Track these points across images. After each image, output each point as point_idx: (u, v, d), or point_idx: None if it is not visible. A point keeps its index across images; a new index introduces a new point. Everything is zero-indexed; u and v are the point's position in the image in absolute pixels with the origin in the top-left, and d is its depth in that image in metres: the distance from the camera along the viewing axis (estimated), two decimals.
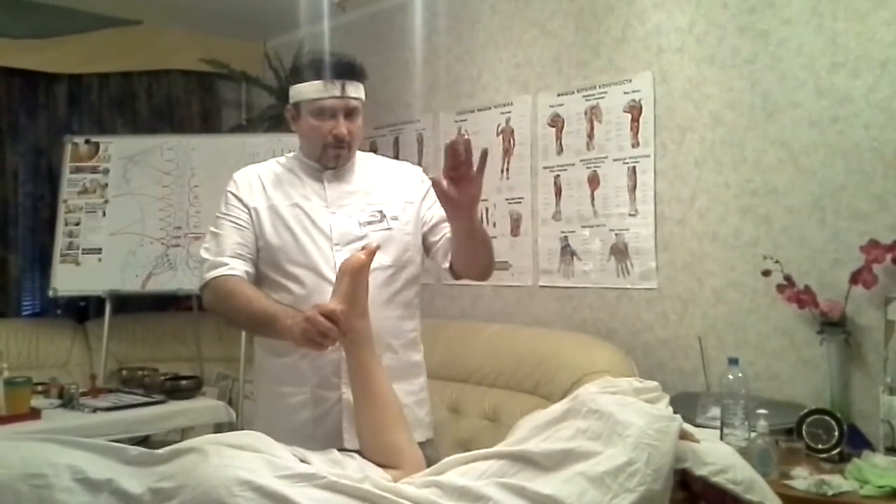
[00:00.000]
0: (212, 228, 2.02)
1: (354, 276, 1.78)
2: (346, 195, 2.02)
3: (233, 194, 2.02)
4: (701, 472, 1.47)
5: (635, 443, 1.44)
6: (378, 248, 1.84)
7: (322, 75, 1.95)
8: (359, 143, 2.06)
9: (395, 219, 2.01)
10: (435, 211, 2.02)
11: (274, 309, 1.83)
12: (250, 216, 1.99)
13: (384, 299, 1.95)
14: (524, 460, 1.50)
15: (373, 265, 1.85)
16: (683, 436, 1.53)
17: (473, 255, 1.95)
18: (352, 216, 1.99)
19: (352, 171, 2.06)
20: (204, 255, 1.99)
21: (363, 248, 1.83)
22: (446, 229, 1.99)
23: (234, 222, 1.98)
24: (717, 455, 1.51)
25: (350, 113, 1.97)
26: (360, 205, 2.01)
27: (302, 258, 1.95)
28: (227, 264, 1.93)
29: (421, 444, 1.86)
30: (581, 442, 1.49)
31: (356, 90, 1.98)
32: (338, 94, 1.94)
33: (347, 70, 1.96)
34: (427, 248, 2.08)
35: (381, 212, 2.01)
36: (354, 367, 1.81)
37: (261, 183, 2.03)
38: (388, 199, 2.04)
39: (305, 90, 1.96)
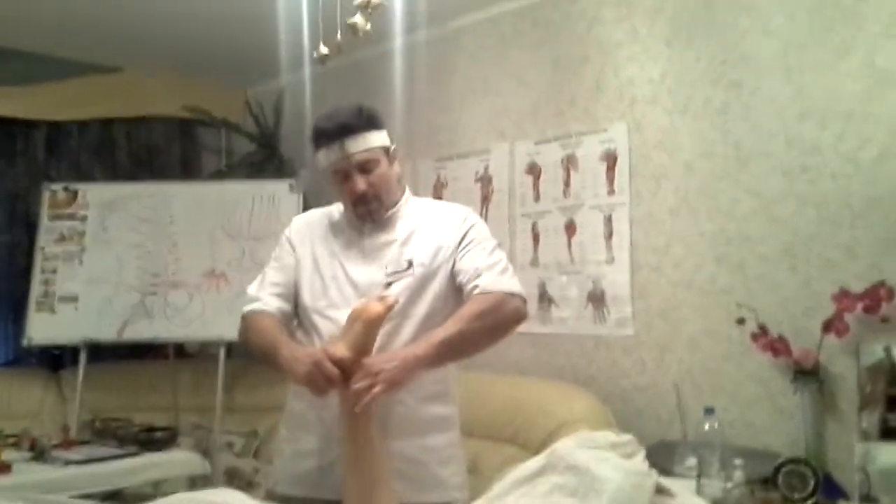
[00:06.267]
0: (265, 268, 2.10)
1: (368, 327, 1.77)
2: (383, 246, 1.98)
3: (286, 238, 2.10)
4: None
5: (612, 498, 1.43)
6: (396, 302, 1.83)
7: (322, 142, 1.95)
8: (390, 190, 2.00)
9: (422, 265, 1.94)
10: (466, 262, 1.95)
11: (279, 340, 1.88)
12: (296, 261, 2.04)
13: (399, 348, 1.88)
14: None
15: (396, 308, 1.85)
16: (659, 491, 1.53)
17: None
18: (382, 267, 1.95)
19: (396, 220, 2.02)
20: (248, 291, 2.07)
21: (381, 298, 1.82)
22: (471, 287, 1.91)
23: (278, 264, 2.07)
24: None
25: (364, 167, 1.94)
26: (395, 255, 1.96)
27: (326, 308, 1.95)
28: (259, 300, 2.01)
29: None
30: (559, 498, 1.48)
31: (359, 143, 1.93)
32: (338, 156, 1.93)
33: (344, 129, 1.92)
34: (458, 293, 1.98)
35: (409, 261, 1.95)
36: (346, 417, 1.80)
37: (312, 231, 2.08)
38: (420, 247, 1.97)
39: (318, 159, 1.98)
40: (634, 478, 1.49)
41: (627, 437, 1.69)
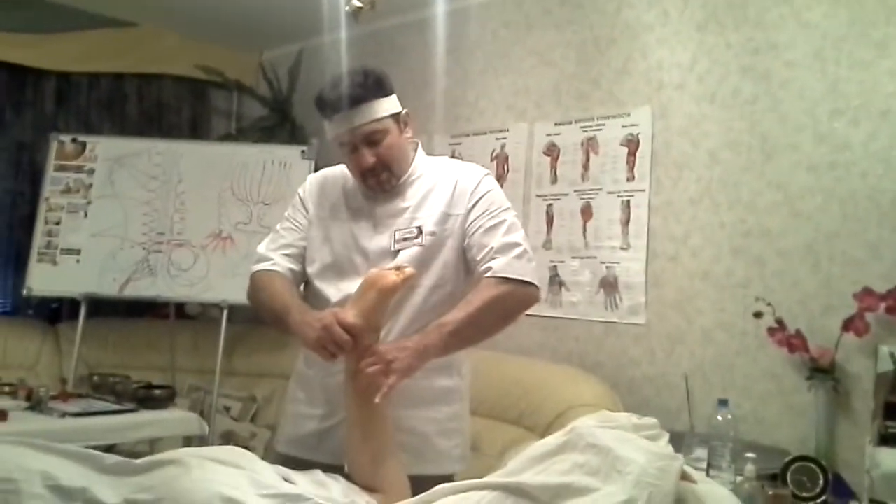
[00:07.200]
0: (277, 227, 2.04)
1: (382, 295, 1.72)
2: (395, 214, 1.90)
3: (300, 197, 2.03)
4: None
5: (636, 481, 1.39)
6: (413, 274, 1.75)
7: (326, 112, 1.87)
8: (401, 159, 1.91)
9: (431, 234, 1.86)
10: (479, 238, 1.85)
11: (290, 303, 1.83)
12: (308, 222, 1.99)
13: (407, 319, 1.84)
14: (519, 493, 1.45)
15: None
16: (683, 476, 1.48)
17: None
18: (392, 234, 1.88)
19: (408, 186, 1.93)
20: (258, 249, 2.02)
21: (397, 269, 1.75)
22: (484, 268, 1.83)
23: (292, 224, 2.01)
24: (718, 498, 1.47)
25: (371, 138, 1.85)
26: (406, 222, 1.88)
27: (334, 276, 1.91)
28: (271, 259, 1.95)
29: (442, 479, 1.70)
30: (578, 477, 1.44)
31: (365, 114, 1.83)
32: (343, 128, 1.85)
33: (348, 99, 1.82)
34: (469, 267, 1.90)
35: (419, 227, 1.87)
36: (353, 386, 1.75)
37: (326, 193, 2.01)
38: (431, 214, 1.88)
39: (325, 130, 1.91)
40: (660, 461, 1.44)
41: (650, 419, 1.64)
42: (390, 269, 1.78)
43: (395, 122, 1.89)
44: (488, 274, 1.81)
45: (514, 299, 1.82)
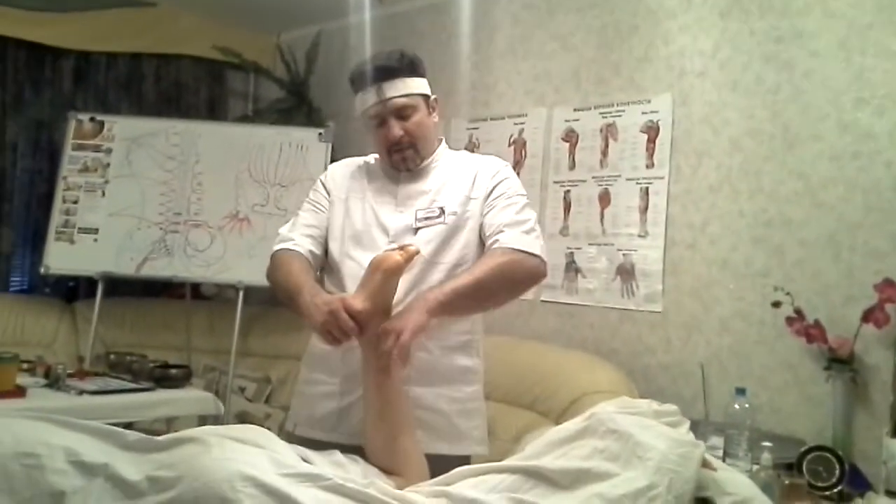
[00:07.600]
0: (299, 211, 2.07)
1: (387, 276, 1.72)
2: (416, 195, 1.95)
3: (321, 182, 2.08)
4: (722, 502, 1.42)
5: (656, 467, 1.39)
6: (418, 252, 1.77)
7: (360, 85, 1.94)
8: (427, 138, 1.97)
9: (453, 214, 1.91)
10: (492, 217, 1.90)
11: (303, 283, 1.83)
12: (329, 204, 2.02)
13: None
14: (538, 476, 1.45)
15: (420, 259, 1.81)
16: (703, 464, 1.48)
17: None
18: (414, 213, 1.92)
19: (430, 171, 1.99)
20: (280, 230, 2.04)
21: (402, 248, 1.76)
22: (492, 241, 1.87)
23: (313, 207, 2.04)
24: (738, 485, 1.47)
25: (401, 112, 1.91)
26: (427, 202, 1.93)
27: (355, 252, 1.92)
28: (292, 240, 1.97)
29: (460, 459, 1.74)
30: (598, 462, 1.44)
31: (398, 88, 1.89)
32: (375, 100, 1.90)
33: (383, 72, 1.90)
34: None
35: (441, 208, 1.92)
36: (367, 365, 1.76)
37: (348, 177, 2.05)
38: (452, 196, 1.93)
39: (356, 104, 1.96)
40: (681, 448, 1.45)
41: (671, 406, 1.64)
42: (394, 249, 1.79)
43: (424, 102, 1.96)
44: (495, 245, 1.86)
45: (521, 268, 1.85)
